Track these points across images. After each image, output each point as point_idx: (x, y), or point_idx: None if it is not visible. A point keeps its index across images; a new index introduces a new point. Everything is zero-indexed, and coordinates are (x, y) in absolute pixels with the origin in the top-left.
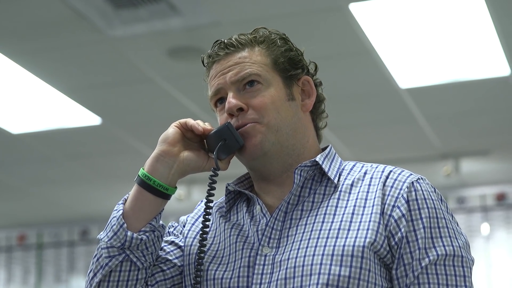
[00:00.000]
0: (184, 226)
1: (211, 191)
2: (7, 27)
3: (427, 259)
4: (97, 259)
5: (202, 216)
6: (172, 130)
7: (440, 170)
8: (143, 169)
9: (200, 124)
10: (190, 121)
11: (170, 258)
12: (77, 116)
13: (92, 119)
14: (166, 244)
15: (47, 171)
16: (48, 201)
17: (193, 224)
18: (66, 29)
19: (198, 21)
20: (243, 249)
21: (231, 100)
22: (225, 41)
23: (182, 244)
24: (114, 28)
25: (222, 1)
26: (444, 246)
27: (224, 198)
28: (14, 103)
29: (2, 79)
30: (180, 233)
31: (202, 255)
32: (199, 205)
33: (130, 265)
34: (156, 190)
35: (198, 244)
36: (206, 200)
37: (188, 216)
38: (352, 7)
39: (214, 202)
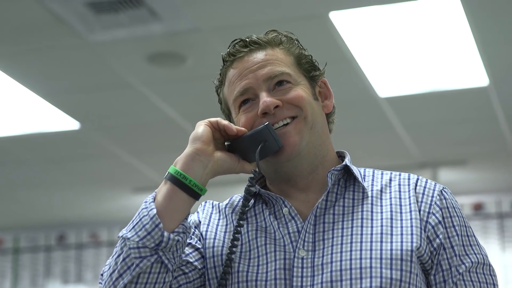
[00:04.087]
0: (196, 228)
1: (249, 196)
2: None
3: (463, 266)
4: (123, 259)
5: (215, 218)
6: (203, 128)
7: None
8: (174, 167)
9: (232, 125)
10: (223, 121)
11: (190, 260)
12: (55, 120)
13: (70, 124)
14: None
15: (25, 175)
16: (25, 206)
17: (208, 225)
18: (46, 33)
19: (178, 27)
20: (276, 251)
21: (267, 99)
22: (247, 39)
23: (200, 246)
24: (94, 33)
25: (202, 7)
26: (475, 254)
27: (235, 199)
28: None
29: None
30: (193, 235)
31: (232, 258)
32: (204, 206)
33: (160, 267)
34: (191, 190)
35: (226, 248)
36: (242, 205)
37: (198, 217)
38: (332, 15)
39: (225, 203)
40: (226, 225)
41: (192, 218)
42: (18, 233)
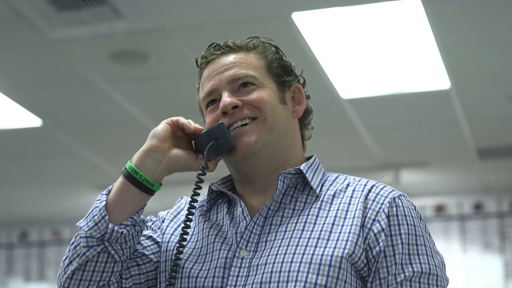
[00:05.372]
0: (163, 222)
1: (196, 190)
2: None
3: (402, 275)
4: (75, 247)
5: (183, 214)
6: (163, 126)
7: (380, 180)
8: (130, 162)
9: (191, 123)
10: (182, 119)
11: (146, 253)
12: (17, 117)
13: (32, 121)
14: (143, 238)
15: None
16: None
17: (171, 220)
18: (7, 29)
19: (141, 25)
20: (221, 250)
21: (226, 99)
22: (221, 43)
23: (160, 240)
24: (56, 30)
25: (165, 6)
26: (420, 263)
27: (205, 197)
28: None
29: None
30: (158, 228)
31: (180, 255)
32: (178, 201)
33: (107, 257)
34: (142, 185)
35: (177, 242)
36: (191, 199)
37: (167, 212)
38: (295, 16)
39: (200, 198)
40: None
41: (162, 212)
42: None
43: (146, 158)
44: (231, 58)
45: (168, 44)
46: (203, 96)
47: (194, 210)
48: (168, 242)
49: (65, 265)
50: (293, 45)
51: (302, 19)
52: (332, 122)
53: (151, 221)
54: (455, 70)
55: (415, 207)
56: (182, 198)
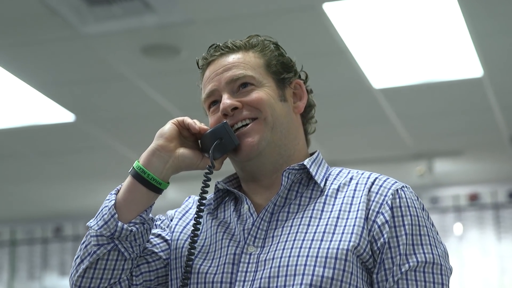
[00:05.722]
0: (171, 220)
1: (205, 189)
2: None
3: (407, 265)
4: (85, 246)
5: (191, 213)
6: (169, 126)
7: (414, 170)
8: (138, 161)
9: (196, 123)
10: (187, 119)
11: (156, 250)
12: (50, 112)
13: (65, 116)
14: (153, 236)
15: (21, 168)
16: (22, 198)
17: (180, 218)
18: (40, 25)
19: (172, 19)
20: (229, 246)
21: (226, 100)
22: (220, 44)
23: (169, 238)
24: (88, 25)
25: None
26: (424, 253)
27: (212, 196)
28: None
29: None
30: (167, 227)
31: (193, 250)
32: (186, 200)
33: (117, 255)
34: (150, 184)
35: (188, 240)
36: (199, 197)
37: (176, 211)
38: (326, 6)
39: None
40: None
41: (170, 211)
42: (14, 226)
43: (153, 157)
44: (230, 58)
45: (200, 36)
46: (204, 97)
47: (203, 207)
48: (178, 240)
49: (77, 264)
50: (324, 36)
51: (333, 9)
52: (365, 112)
53: (160, 220)
54: (487, 57)
55: (417, 197)
56: (189, 197)
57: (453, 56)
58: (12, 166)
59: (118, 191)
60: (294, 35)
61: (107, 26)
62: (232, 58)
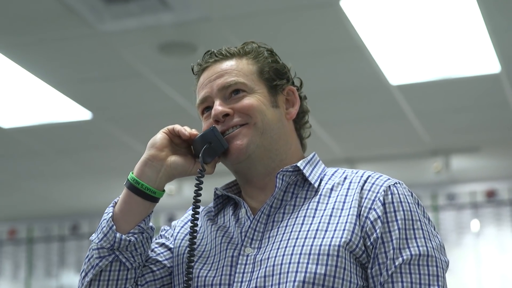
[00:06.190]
0: (174, 229)
1: (198, 192)
2: None
3: (400, 259)
4: (89, 259)
5: (190, 220)
6: (159, 135)
7: (430, 167)
8: (132, 173)
9: (186, 130)
10: (177, 126)
11: (160, 259)
12: (67, 110)
13: (82, 114)
14: (156, 246)
15: (38, 165)
16: (39, 196)
17: (182, 227)
18: (57, 23)
19: (188, 16)
20: (227, 249)
21: (217, 107)
22: (215, 50)
23: (172, 246)
24: (105, 22)
25: None
26: (418, 246)
27: (212, 204)
28: (4, 98)
29: None
30: (171, 236)
31: (193, 252)
32: (189, 210)
33: (119, 265)
34: (144, 193)
35: (188, 246)
36: (194, 200)
37: (178, 220)
38: (343, 3)
39: (203, 207)
40: (200, 226)
41: (174, 222)
42: (32, 223)
43: (145, 167)
44: (223, 65)
45: (216, 34)
46: (197, 103)
47: (199, 209)
48: (179, 246)
49: (82, 277)
50: (341, 32)
51: (350, 6)
52: (381, 108)
53: (165, 230)
54: (505, 53)
55: (411, 193)
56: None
57: (470, 52)
58: (29, 163)
59: (116, 203)
60: (311, 31)
61: (124, 24)
62: (226, 65)
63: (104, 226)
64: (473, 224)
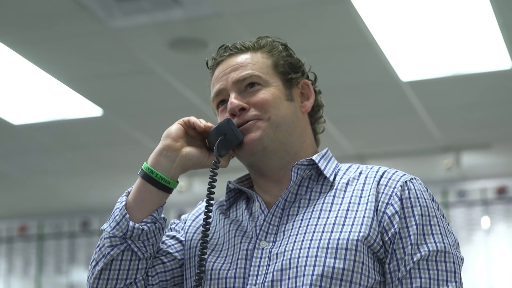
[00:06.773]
0: (185, 223)
1: (212, 183)
2: (8, 18)
3: (418, 254)
4: (100, 248)
5: (203, 213)
6: (175, 126)
7: (441, 163)
8: (146, 163)
9: (202, 122)
10: (193, 118)
11: (171, 251)
12: (78, 107)
13: (93, 110)
14: (167, 238)
15: (48, 162)
16: (49, 192)
17: (193, 220)
18: (68, 19)
19: (199, 12)
20: (241, 243)
21: (233, 100)
22: (229, 44)
23: (183, 239)
24: (116, 19)
25: None
26: (435, 242)
27: (224, 197)
28: (15, 94)
29: (4, 70)
30: (182, 229)
31: (205, 244)
32: (200, 204)
33: (131, 255)
34: (158, 183)
35: (200, 239)
36: (208, 192)
37: (189, 214)
38: None
39: (216, 201)
40: (212, 220)
41: (184, 216)
42: (42, 220)
43: (160, 157)
44: (238, 59)
45: (227, 30)
46: (212, 96)
47: (212, 201)
48: (191, 240)
49: (92, 266)
50: (352, 28)
51: (361, 2)
52: (392, 105)
53: (175, 223)
54: None
55: (427, 189)
56: (202, 201)
57: (482, 48)
58: (40, 160)
59: (129, 193)
60: (322, 27)
61: (135, 20)
62: (240, 58)
63: (117, 215)
64: (483, 221)
